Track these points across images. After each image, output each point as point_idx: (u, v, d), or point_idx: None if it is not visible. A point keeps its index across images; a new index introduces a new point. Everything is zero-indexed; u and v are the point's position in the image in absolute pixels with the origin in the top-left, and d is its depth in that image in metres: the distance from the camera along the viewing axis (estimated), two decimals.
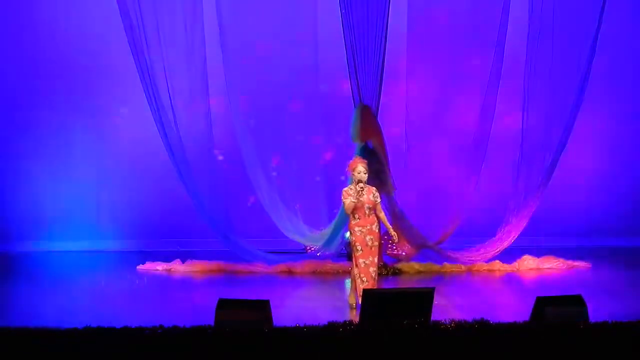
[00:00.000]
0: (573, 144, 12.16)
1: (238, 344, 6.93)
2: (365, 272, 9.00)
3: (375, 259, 9.10)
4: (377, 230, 9.12)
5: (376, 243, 9.09)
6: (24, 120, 13.59)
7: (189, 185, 11.70)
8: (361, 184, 9.02)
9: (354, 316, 8.13)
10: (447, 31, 12.40)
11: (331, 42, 12.22)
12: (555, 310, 7.53)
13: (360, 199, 9.01)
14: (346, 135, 11.90)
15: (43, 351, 6.89)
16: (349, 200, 9.02)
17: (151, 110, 11.54)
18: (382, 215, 9.24)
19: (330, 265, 11.69)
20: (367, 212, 9.06)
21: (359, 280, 8.98)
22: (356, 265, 9.04)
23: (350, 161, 9.26)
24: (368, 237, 9.04)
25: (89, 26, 13.32)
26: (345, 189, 9.11)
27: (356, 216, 9.06)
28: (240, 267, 11.71)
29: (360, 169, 9.08)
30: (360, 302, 8.63)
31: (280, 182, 12.55)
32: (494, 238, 11.99)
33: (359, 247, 9.03)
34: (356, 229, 9.06)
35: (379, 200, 9.15)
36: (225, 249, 12.08)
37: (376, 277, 9.11)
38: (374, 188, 9.21)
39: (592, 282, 11.01)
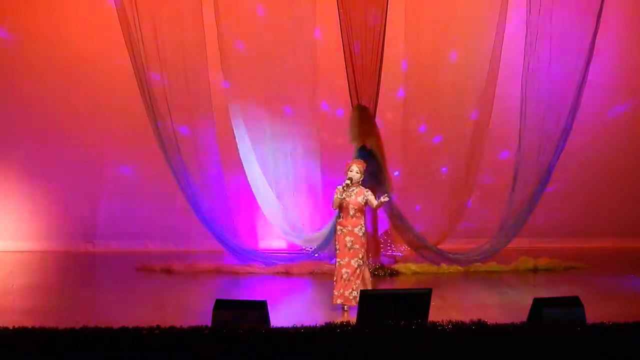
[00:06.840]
0: (571, 145, 12.15)
1: (235, 345, 6.94)
2: (337, 271, 8.97)
3: (352, 261, 8.90)
4: (360, 234, 8.95)
5: (356, 246, 8.92)
6: (23, 122, 13.62)
7: (186, 186, 11.72)
8: (348, 182, 8.93)
9: (352, 317, 8.12)
10: (444, 32, 12.41)
11: (329, 43, 12.23)
12: (553, 311, 7.55)
13: (347, 198, 8.95)
14: (344, 137, 11.90)
15: (40, 351, 6.89)
16: (335, 196, 8.97)
17: (148, 116, 11.57)
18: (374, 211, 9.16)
19: (327, 266, 11.64)
20: (351, 212, 8.95)
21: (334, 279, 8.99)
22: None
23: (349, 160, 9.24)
24: (348, 238, 8.95)
25: (86, 29, 13.34)
26: (339, 186, 9.01)
27: (341, 215, 9.00)
28: (237, 267, 11.71)
29: (353, 167, 9.03)
30: (339, 302, 8.68)
31: (278, 184, 12.54)
32: (491, 239, 12.00)
33: (337, 246, 9.00)
34: (337, 227, 9.02)
35: (369, 203, 8.96)
36: (222, 250, 12.09)
37: (352, 278, 8.90)
38: (368, 191, 9.06)
39: (589, 284, 11.00)
